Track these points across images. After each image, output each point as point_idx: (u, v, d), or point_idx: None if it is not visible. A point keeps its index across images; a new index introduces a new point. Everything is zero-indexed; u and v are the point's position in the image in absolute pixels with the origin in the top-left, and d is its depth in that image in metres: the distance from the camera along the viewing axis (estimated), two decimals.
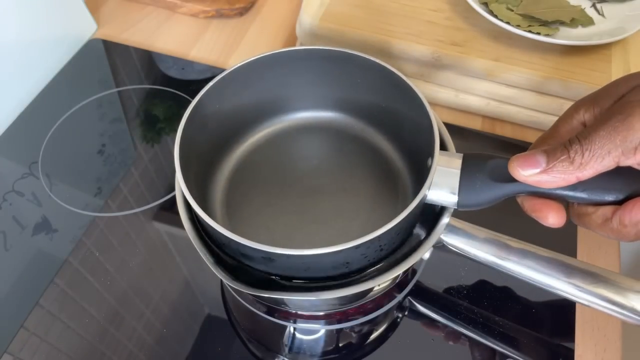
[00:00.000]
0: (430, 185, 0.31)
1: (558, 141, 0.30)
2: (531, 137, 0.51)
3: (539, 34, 0.48)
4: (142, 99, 0.56)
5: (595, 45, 0.48)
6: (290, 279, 0.32)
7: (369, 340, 0.40)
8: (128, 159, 0.50)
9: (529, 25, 0.49)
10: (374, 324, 0.40)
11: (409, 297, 0.41)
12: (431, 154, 0.33)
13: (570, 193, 0.30)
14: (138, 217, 0.46)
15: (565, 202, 0.31)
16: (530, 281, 0.34)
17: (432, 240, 0.33)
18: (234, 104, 0.39)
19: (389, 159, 0.41)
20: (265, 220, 0.38)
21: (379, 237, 0.29)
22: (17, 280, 0.42)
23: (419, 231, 0.37)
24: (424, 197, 0.31)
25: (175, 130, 0.34)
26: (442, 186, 0.32)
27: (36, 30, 0.54)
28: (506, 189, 0.31)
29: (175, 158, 0.32)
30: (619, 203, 0.29)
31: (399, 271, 0.31)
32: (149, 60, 0.59)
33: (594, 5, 0.54)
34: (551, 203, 0.30)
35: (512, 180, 0.30)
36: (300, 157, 0.42)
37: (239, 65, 0.37)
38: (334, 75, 0.40)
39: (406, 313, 0.40)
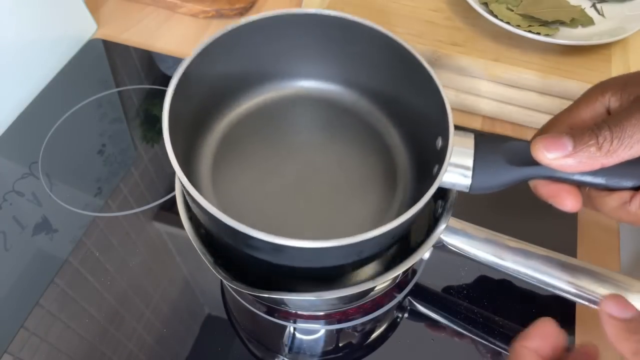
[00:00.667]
0: (447, 168, 0.29)
1: (579, 124, 0.29)
2: (531, 137, 0.51)
3: (539, 34, 0.48)
4: (142, 99, 0.56)
5: (595, 45, 0.48)
6: (295, 269, 0.30)
7: (369, 340, 0.40)
8: (128, 159, 0.50)
9: (529, 25, 0.49)
10: (374, 324, 0.40)
11: (409, 297, 0.41)
12: (441, 133, 0.30)
13: (588, 179, 0.29)
14: (138, 217, 0.46)
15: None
16: (530, 281, 0.34)
17: (432, 240, 0.32)
18: (221, 72, 0.36)
19: (387, 136, 0.39)
20: (257, 201, 0.35)
21: (395, 228, 0.27)
22: (17, 280, 0.42)
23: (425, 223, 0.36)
24: (441, 182, 0.29)
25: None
26: (455, 168, 0.30)
27: (36, 30, 0.54)
28: (523, 173, 0.29)
29: (166, 140, 0.29)
30: (636, 189, 0.28)
31: (399, 271, 0.31)
32: (149, 60, 0.59)
33: (593, 5, 0.54)
34: (567, 188, 0.30)
35: (530, 163, 0.28)
36: (290, 130, 0.39)
37: (226, 30, 0.33)
38: (330, 43, 0.37)
39: (406, 313, 0.40)
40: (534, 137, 0.29)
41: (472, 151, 0.30)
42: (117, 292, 0.41)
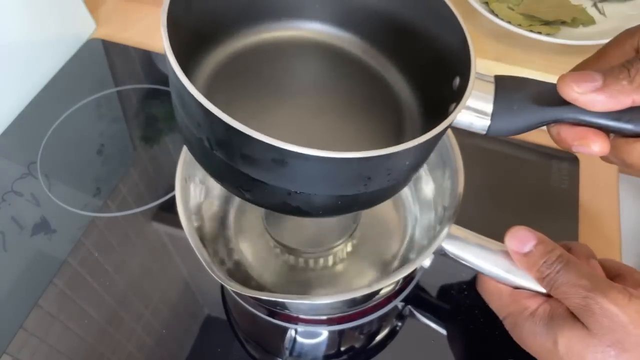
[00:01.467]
0: (467, 99, 0.26)
1: (608, 65, 0.28)
2: (531, 137, 0.50)
3: (540, 33, 0.48)
4: (141, 99, 0.55)
5: (596, 44, 0.48)
6: (290, 194, 0.27)
7: (370, 345, 0.39)
8: (127, 159, 0.50)
9: (530, 25, 0.49)
10: (374, 328, 0.40)
11: (409, 302, 0.41)
12: (460, 72, 0.29)
13: (616, 123, 0.27)
14: (137, 218, 0.46)
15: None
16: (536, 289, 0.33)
17: (434, 246, 0.32)
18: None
19: (393, 86, 0.36)
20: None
21: (411, 148, 0.24)
22: (16, 281, 0.42)
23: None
24: (464, 106, 0.27)
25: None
26: (474, 103, 0.28)
27: (35, 30, 0.54)
28: (546, 114, 0.28)
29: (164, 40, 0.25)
30: None
31: (399, 276, 0.31)
32: (148, 60, 0.59)
33: (595, 5, 0.54)
34: (594, 130, 0.28)
35: (555, 104, 0.27)
36: (291, 74, 0.36)
37: None
38: None
39: (406, 317, 0.40)
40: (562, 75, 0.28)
41: (492, 88, 0.28)
42: (117, 292, 0.41)
